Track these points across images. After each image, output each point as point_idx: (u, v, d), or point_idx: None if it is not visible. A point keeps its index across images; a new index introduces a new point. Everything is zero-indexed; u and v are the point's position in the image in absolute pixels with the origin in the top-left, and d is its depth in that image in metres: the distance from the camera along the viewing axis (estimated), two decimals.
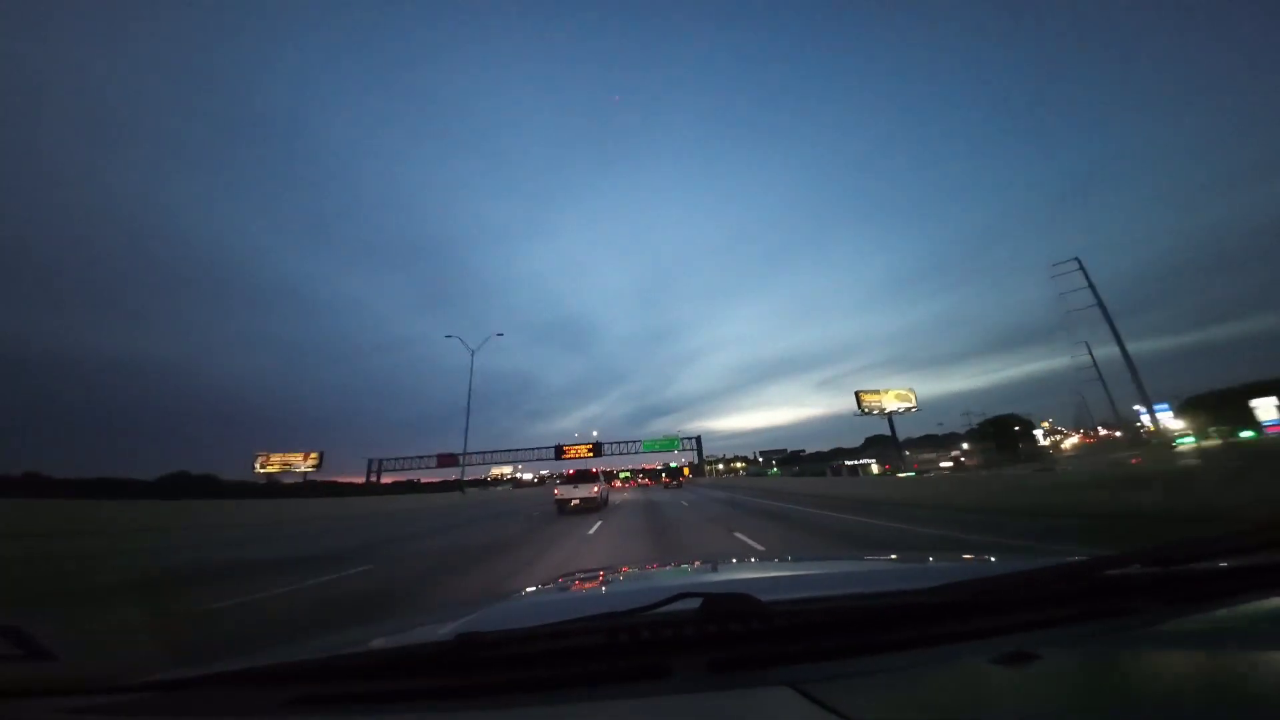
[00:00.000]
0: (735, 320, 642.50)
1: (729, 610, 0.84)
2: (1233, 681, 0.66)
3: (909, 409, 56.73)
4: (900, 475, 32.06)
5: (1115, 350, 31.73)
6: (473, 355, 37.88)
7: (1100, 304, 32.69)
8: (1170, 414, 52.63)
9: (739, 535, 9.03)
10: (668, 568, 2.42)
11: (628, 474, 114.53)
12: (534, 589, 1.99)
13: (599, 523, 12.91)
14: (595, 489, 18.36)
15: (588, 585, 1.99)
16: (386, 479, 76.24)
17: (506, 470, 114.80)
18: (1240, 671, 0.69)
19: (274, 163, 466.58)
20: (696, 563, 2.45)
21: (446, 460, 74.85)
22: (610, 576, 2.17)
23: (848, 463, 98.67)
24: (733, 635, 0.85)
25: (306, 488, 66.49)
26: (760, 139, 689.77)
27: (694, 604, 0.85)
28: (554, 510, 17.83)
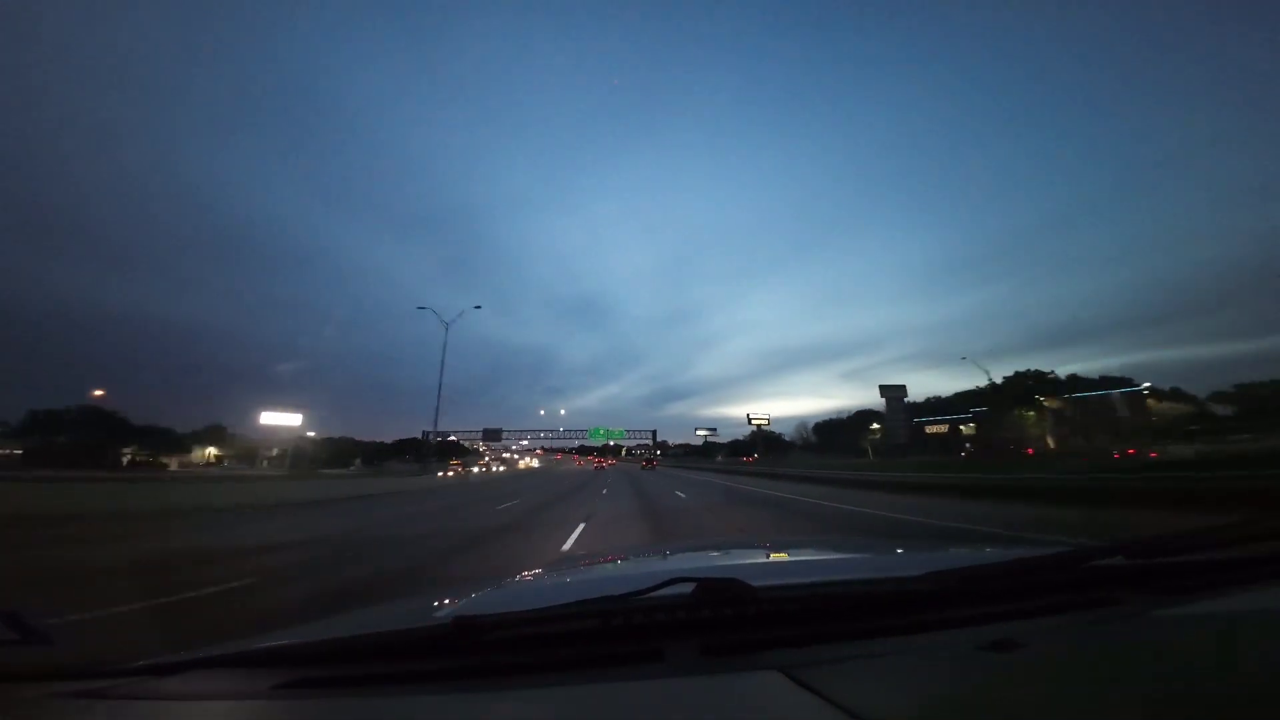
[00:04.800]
0: (758, 305, 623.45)
1: (721, 595, 0.85)
2: (1213, 673, 0.68)
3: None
4: None
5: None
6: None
7: None
8: None
9: None
10: (661, 553, 2.44)
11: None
12: (529, 573, 2.03)
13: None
14: (607, 461, 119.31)
15: (583, 569, 2.13)
16: None
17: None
18: (1221, 663, 0.71)
19: (303, 130, 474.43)
20: (690, 548, 2.60)
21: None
22: (605, 561, 2.31)
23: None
24: (724, 620, 0.86)
25: None
26: (793, 116, 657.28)
27: (687, 589, 0.86)
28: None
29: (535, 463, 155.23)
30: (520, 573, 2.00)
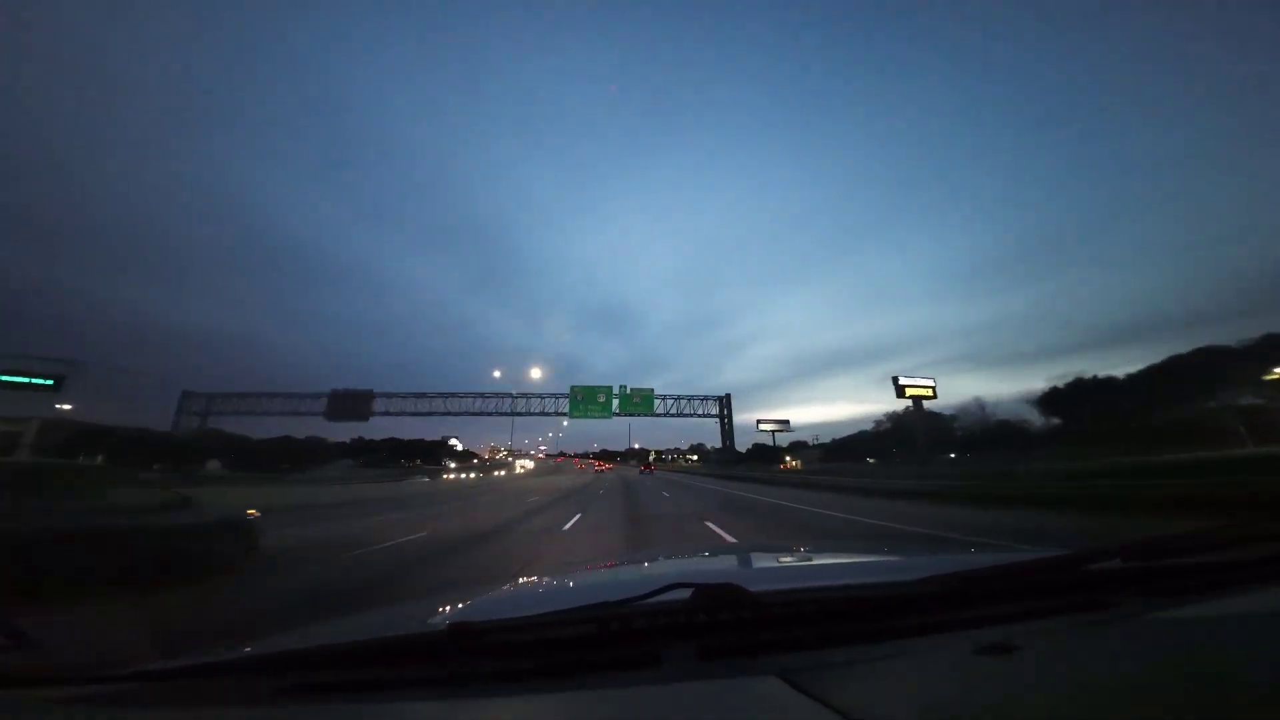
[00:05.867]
0: (788, 308, 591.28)
1: (719, 600, 0.85)
2: (1210, 675, 0.68)
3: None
4: None
5: None
6: None
7: None
8: None
9: None
10: (659, 559, 2.42)
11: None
12: (527, 578, 2.10)
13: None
14: (605, 466, 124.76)
15: (580, 575, 2.15)
16: None
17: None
18: (1216, 665, 0.71)
19: (339, 147, 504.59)
20: (687, 554, 2.56)
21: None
22: (602, 567, 2.35)
23: None
24: (723, 625, 0.86)
25: None
26: (821, 115, 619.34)
27: (684, 594, 0.85)
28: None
29: (529, 464, 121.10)
30: (518, 578, 2.09)
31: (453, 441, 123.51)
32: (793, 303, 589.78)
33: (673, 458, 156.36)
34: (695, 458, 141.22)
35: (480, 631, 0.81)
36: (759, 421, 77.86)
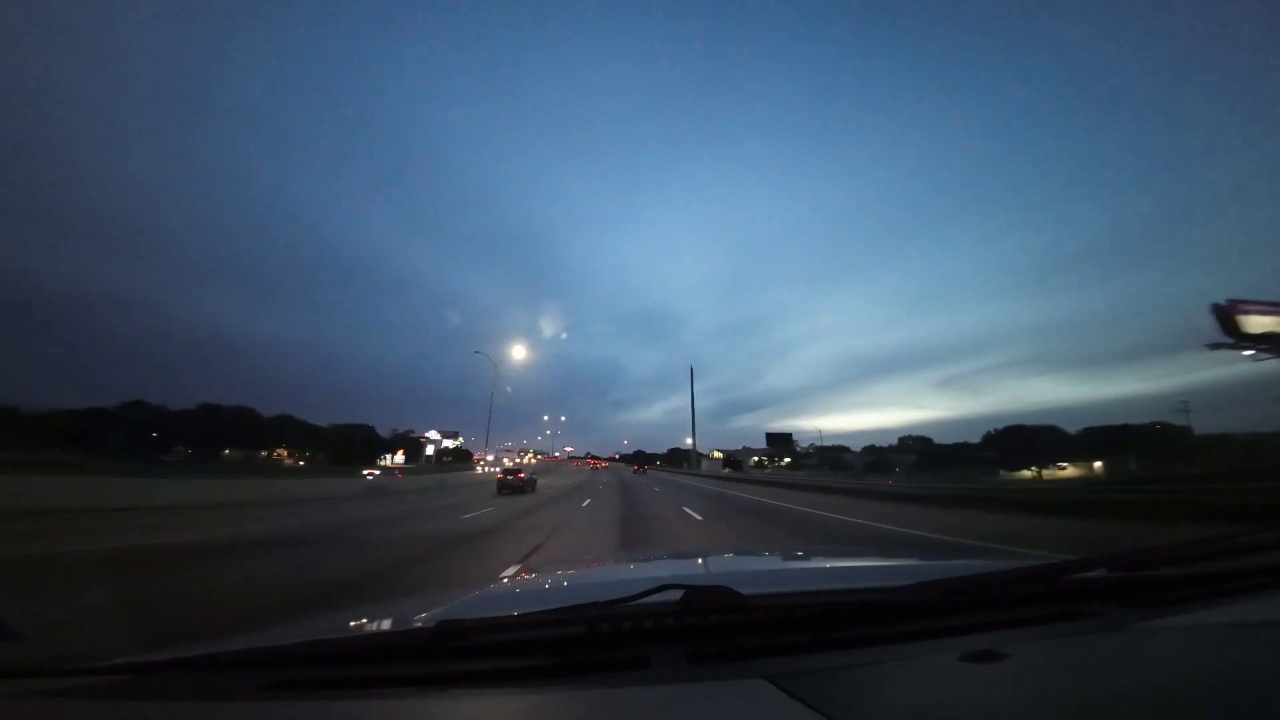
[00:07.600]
0: (834, 310, 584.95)
1: (709, 603, 0.86)
2: (1192, 684, 0.69)
3: None
4: None
5: None
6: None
7: None
8: None
9: None
10: (650, 559, 2.49)
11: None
12: (516, 577, 2.21)
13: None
14: (604, 464, 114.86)
15: (571, 574, 2.14)
16: None
17: None
18: (1199, 674, 0.72)
19: (391, 162, 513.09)
20: (679, 555, 2.65)
21: None
22: (593, 566, 2.44)
23: None
24: (712, 627, 0.87)
25: None
26: (875, 107, 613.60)
27: (675, 595, 0.86)
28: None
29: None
30: (507, 577, 2.20)
31: (430, 434, 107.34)
32: (839, 305, 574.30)
33: (758, 460, 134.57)
34: (788, 460, 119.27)
35: (467, 630, 0.82)
36: None
